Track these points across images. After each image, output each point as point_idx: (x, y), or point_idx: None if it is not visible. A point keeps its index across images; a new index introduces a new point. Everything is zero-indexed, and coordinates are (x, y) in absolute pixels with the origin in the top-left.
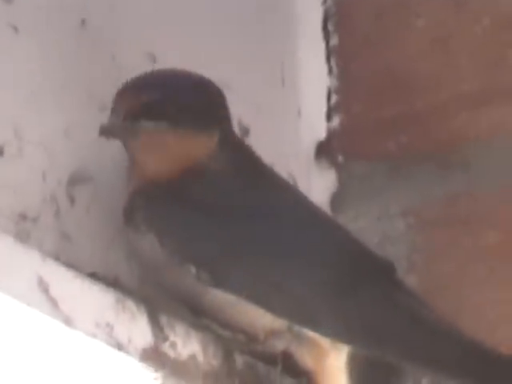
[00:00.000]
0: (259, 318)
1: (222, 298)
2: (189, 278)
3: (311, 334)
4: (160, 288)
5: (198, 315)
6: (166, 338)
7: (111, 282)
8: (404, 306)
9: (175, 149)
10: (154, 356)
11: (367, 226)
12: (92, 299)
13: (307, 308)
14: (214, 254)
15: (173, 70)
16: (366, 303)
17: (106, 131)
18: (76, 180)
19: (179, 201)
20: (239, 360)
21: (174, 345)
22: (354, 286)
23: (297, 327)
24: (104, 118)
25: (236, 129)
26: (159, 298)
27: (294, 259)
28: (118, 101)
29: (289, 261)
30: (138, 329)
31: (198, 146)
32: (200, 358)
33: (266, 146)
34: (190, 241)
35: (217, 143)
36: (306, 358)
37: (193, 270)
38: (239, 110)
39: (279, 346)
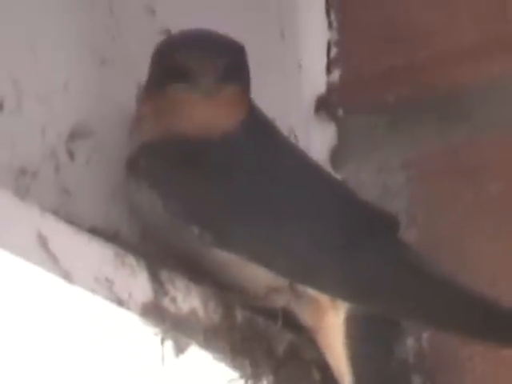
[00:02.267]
0: (260, 276)
1: (223, 258)
2: (191, 238)
3: (311, 291)
4: (160, 245)
5: (198, 274)
6: (166, 293)
7: (111, 236)
8: (405, 261)
9: (237, 107)
10: (154, 311)
11: (367, 179)
12: (91, 254)
13: (308, 266)
14: (218, 214)
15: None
16: (366, 260)
17: (203, 91)
18: (76, 134)
19: (185, 161)
20: (239, 315)
21: (174, 300)
22: (355, 243)
23: (298, 285)
24: (103, 71)
25: None
26: (159, 254)
27: (296, 218)
28: (202, 63)
29: (290, 220)
30: (137, 284)
31: (245, 108)
32: (200, 312)
33: (266, 100)
34: (193, 201)
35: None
36: (305, 315)
37: (196, 230)
38: None
39: (279, 302)
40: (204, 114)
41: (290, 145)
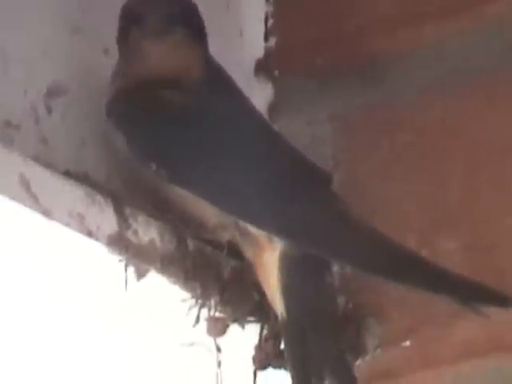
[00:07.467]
0: (209, 212)
1: (178, 193)
2: (150, 174)
3: (253, 230)
4: (127, 182)
5: (158, 208)
6: (129, 227)
7: (82, 178)
8: (335, 210)
9: (188, 54)
10: (118, 241)
11: (299, 130)
12: (66, 193)
13: (251, 206)
14: (173, 153)
15: None
16: (303, 204)
17: (155, 32)
18: (53, 92)
19: (151, 104)
20: (191, 245)
21: (135, 232)
22: (294, 190)
23: (241, 223)
24: (75, 40)
25: None
26: (124, 192)
27: (243, 163)
28: (153, 9)
29: (238, 164)
30: (105, 218)
31: (199, 58)
32: (158, 243)
33: None
34: (152, 141)
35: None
36: (246, 250)
37: (153, 166)
38: None
39: (225, 236)
40: (158, 54)
41: (243, 98)
